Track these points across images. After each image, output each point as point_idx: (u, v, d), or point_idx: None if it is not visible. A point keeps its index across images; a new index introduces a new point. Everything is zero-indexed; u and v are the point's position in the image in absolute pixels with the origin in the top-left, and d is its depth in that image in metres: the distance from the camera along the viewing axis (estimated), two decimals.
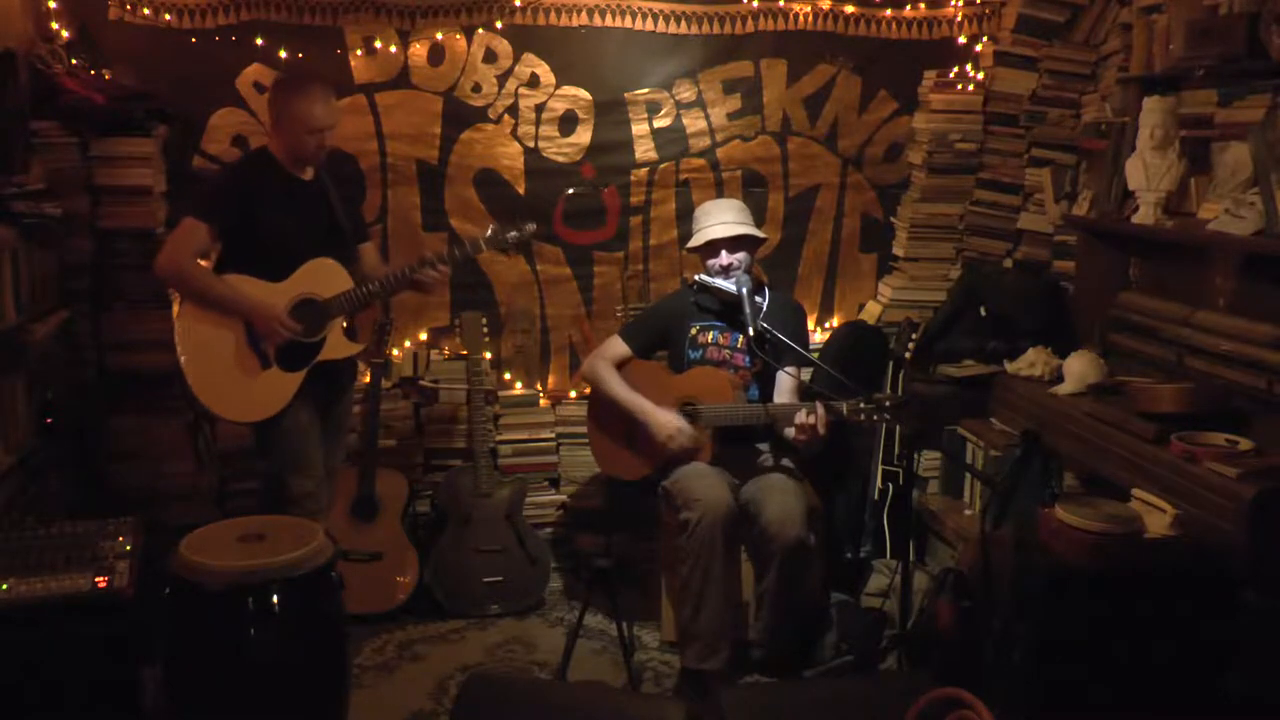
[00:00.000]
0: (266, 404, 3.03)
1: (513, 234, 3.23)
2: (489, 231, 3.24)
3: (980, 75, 4.08)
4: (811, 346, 3.83)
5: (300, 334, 3.03)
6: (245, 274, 3.03)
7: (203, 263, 3.10)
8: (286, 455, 3.08)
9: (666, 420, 3.26)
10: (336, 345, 3.12)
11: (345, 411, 3.39)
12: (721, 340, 3.39)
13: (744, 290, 3.26)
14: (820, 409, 3.05)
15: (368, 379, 3.65)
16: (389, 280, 3.17)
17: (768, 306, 3.36)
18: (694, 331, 3.41)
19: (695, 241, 3.38)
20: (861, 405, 3.03)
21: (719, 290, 3.33)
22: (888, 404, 3.01)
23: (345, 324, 3.15)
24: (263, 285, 3.03)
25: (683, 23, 3.98)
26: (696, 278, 3.43)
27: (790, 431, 3.19)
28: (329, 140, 3.10)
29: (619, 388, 3.36)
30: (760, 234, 3.42)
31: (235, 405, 3.04)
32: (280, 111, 3.05)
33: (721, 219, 3.34)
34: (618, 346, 3.45)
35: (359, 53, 3.82)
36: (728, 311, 3.36)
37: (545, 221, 4.02)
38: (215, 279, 3.04)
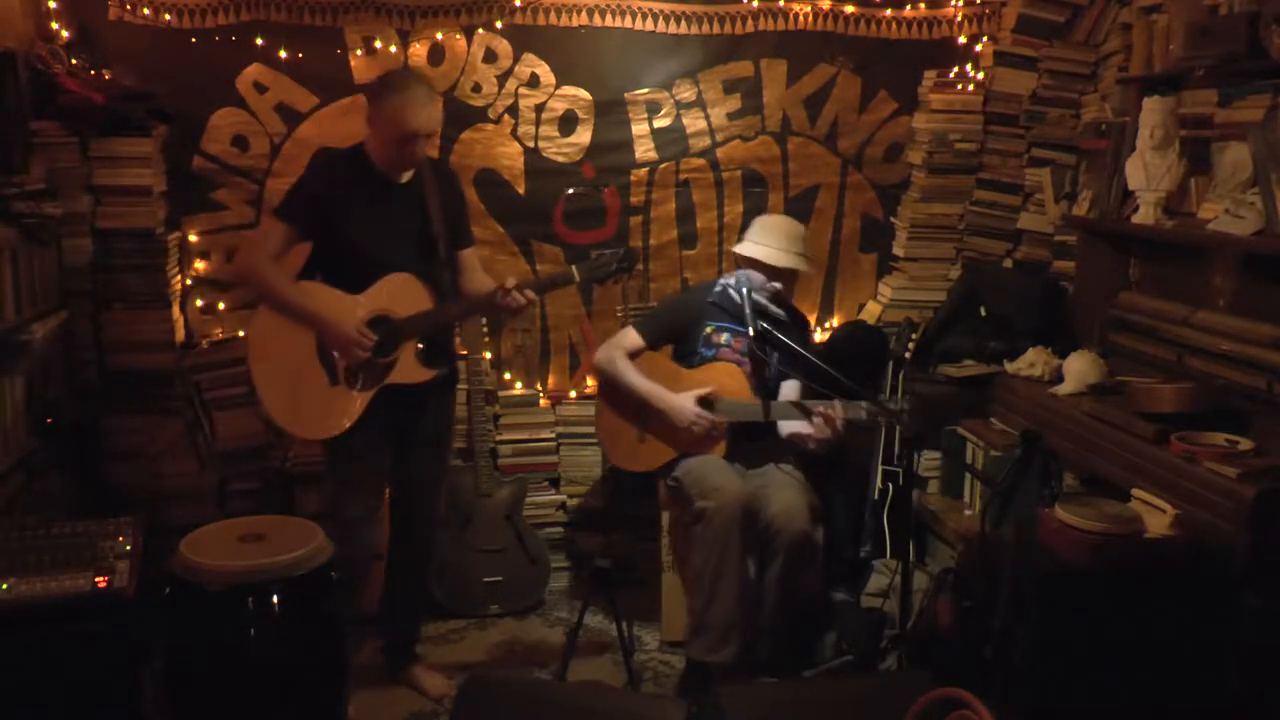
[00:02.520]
0: (330, 423, 2.86)
1: (615, 267, 3.02)
2: (590, 259, 3.06)
3: (980, 75, 4.08)
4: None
5: (374, 352, 2.85)
6: (327, 280, 2.87)
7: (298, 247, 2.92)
8: (338, 478, 2.99)
9: (686, 406, 3.27)
10: (408, 369, 2.89)
11: (444, 423, 3.15)
12: (734, 343, 3.39)
13: (744, 290, 3.26)
14: (839, 405, 3.07)
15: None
16: (468, 305, 3.03)
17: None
18: (708, 331, 3.41)
19: (744, 251, 3.39)
20: (874, 407, 3.05)
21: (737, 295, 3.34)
22: (903, 410, 3.02)
23: (420, 346, 2.92)
24: (338, 296, 2.85)
25: (683, 23, 3.97)
26: (725, 281, 3.44)
27: (798, 429, 3.21)
28: (425, 148, 2.86)
29: (636, 377, 3.36)
30: (806, 269, 3.43)
31: (301, 420, 2.89)
32: (375, 111, 2.83)
33: (777, 244, 3.35)
34: (632, 337, 3.44)
35: (359, 53, 3.81)
36: (743, 316, 3.35)
37: (545, 221, 4.03)
38: (290, 286, 2.86)
